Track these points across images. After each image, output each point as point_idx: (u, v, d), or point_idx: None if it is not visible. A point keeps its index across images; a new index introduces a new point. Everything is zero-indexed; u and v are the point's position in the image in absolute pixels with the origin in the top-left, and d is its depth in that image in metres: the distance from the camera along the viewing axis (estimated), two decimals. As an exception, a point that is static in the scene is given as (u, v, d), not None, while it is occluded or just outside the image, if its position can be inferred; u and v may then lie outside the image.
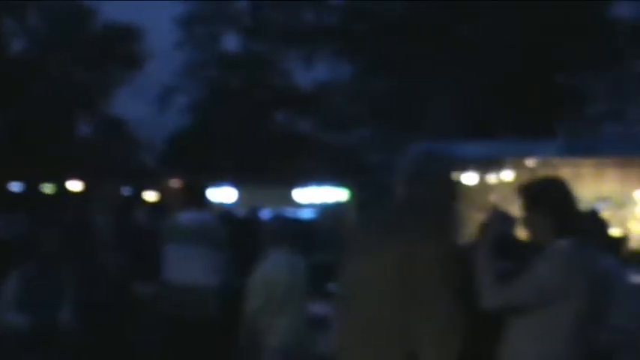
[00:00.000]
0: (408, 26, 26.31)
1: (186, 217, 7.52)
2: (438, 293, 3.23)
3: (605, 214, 16.29)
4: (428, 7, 26.29)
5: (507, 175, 16.78)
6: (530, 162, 16.95)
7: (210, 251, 7.34)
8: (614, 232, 16.32)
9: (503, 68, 25.06)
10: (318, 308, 6.96)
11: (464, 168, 16.98)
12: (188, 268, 7.26)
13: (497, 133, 25.15)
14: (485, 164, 16.86)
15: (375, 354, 3.27)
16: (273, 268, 6.31)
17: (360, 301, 3.33)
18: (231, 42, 33.22)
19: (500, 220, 4.14)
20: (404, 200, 3.51)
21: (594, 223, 9.87)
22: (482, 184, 17.02)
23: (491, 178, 16.97)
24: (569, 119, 27.37)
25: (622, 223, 16.69)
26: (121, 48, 35.33)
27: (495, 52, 25.25)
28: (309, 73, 29.94)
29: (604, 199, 16.92)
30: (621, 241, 11.79)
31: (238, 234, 10.11)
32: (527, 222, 3.74)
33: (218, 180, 24.52)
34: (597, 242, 8.89)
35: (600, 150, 17.38)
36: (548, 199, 3.74)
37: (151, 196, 23.49)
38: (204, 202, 7.96)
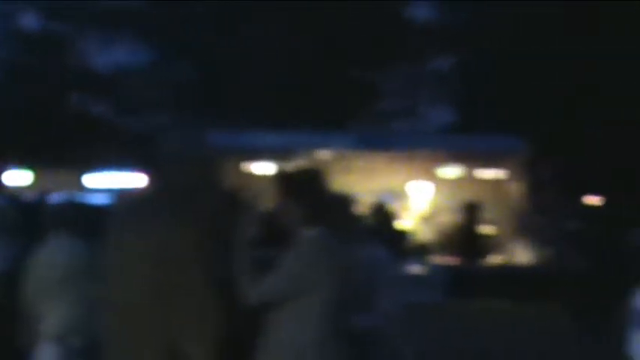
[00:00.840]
0: (211, 15, 26.29)
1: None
2: (196, 280, 3.23)
3: (394, 206, 17.01)
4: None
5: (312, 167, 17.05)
6: (323, 154, 17.36)
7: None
8: (402, 224, 17.07)
9: (301, 62, 25.48)
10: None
11: (259, 158, 17.19)
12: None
13: (293, 125, 25.55)
14: (280, 155, 17.08)
15: (137, 342, 3.25)
16: (51, 252, 6.12)
17: (121, 289, 3.29)
18: (29, 21, 31.93)
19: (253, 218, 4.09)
20: (162, 187, 3.49)
21: (380, 216, 10.26)
22: (273, 174, 17.21)
23: (286, 168, 17.19)
24: (363, 114, 28.12)
25: (408, 215, 17.42)
26: None
27: (293, 45, 25.66)
28: (108, 56, 29.27)
29: (394, 192, 17.56)
30: (404, 233, 12.33)
31: (25, 218, 9.84)
32: (280, 210, 3.75)
33: (13, 163, 23.62)
34: (381, 234, 9.25)
35: (391, 144, 18.06)
36: (299, 188, 3.75)
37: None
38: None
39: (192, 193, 3.43)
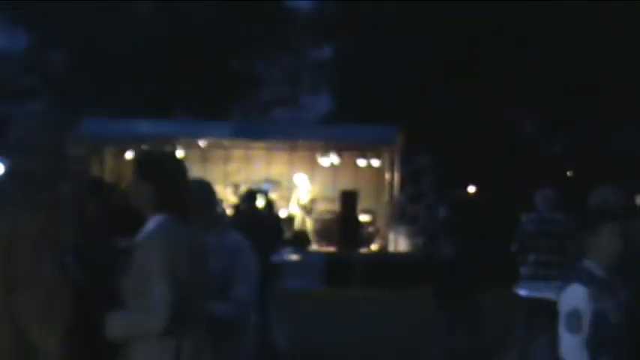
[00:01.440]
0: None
1: None
2: (42, 268, 3.18)
3: (274, 195, 17.08)
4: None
5: (179, 155, 16.96)
6: (201, 142, 17.32)
7: None
8: (282, 213, 17.17)
9: (182, 50, 25.29)
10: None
11: (139, 146, 16.99)
12: None
13: (174, 113, 25.36)
14: (159, 143, 16.95)
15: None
16: None
17: None
18: None
19: None
20: (10, 175, 3.42)
21: (250, 203, 10.26)
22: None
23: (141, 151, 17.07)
24: (243, 103, 28.12)
25: (288, 204, 17.53)
26: None
27: (175, 32, 25.47)
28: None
29: (273, 181, 17.64)
30: (279, 221, 12.39)
31: None
32: (134, 191, 3.70)
33: None
34: (252, 221, 9.24)
35: (270, 133, 18.13)
36: (153, 170, 3.70)
37: None
38: None
39: (43, 180, 3.36)
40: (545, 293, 6.64)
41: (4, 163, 3.45)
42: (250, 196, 10.20)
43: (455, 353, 8.54)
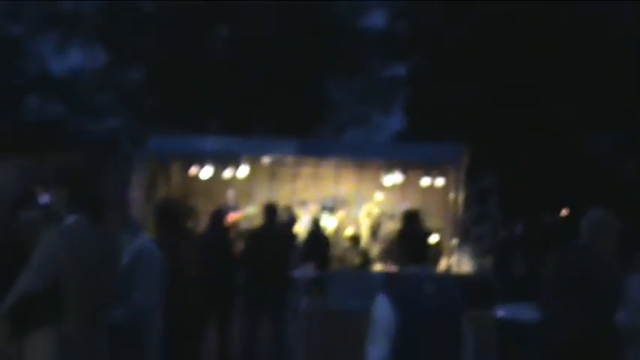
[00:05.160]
0: (161, 20, 26.27)
1: None
2: None
3: (340, 214, 17.03)
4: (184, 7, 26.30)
5: (243, 171, 17.08)
6: (266, 159, 17.35)
7: None
8: (348, 232, 17.08)
9: (264, 70, 25.51)
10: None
11: (204, 162, 17.14)
12: None
13: (255, 132, 25.60)
14: (223, 159, 17.07)
15: None
16: None
17: None
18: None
19: None
20: None
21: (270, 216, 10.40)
22: (218, 178, 17.25)
23: (228, 172, 17.19)
24: (320, 125, 28.26)
25: (356, 222, 17.43)
26: None
27: (255, 52, 25.70)
28: (62, 59, 29.17)
29: (340, 199, 17.59)
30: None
31: None
32: (55, 197, 3.95)
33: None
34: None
35: (336, 151, 18.06)
36: (67, 179, 3.88)
37: None
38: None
39: None
40: (524, 315, 6.52)
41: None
42: (268, 209, 10.40)
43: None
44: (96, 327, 3.61)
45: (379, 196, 17.17)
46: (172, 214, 6.87)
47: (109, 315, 3.99)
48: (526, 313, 6.38)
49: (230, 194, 16.68)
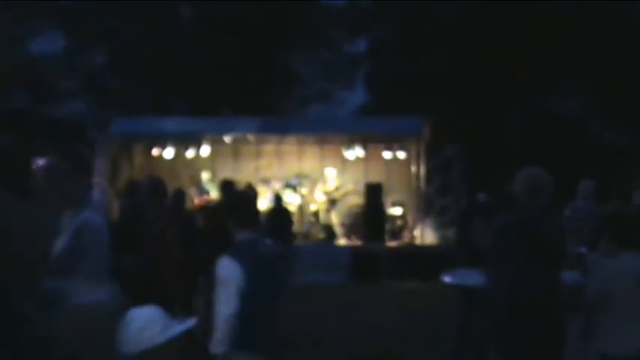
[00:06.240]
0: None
1: None
2: None
3: (304, 190, 17.02)
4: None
5: (206, 150, 17.07)
6: (227, 138, 17.34)
7: None
8: (312, 207, 17.11)
9: (226, 49, 25.39)
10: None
11: (167, 143, 17.13)
12: None
13: (221, 111, 25.50)
14: (185, 139, 17.07)
15: None
16: None
17: None
18: None
19: None
20: None
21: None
22: (181, 159, 17.25)
23: (190, 152, 17.19)
24: (283, 99, 28.18)
25: (316, 198, 17.43)
26: None
27: (218, 29, 25.59)
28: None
29: (303, 175, 17.60)
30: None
31: None
32: None
33: None
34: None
35: (296, 128, 18.06)
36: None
37: None
38: None
39: None
40: (470, 280, 6.61)
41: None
42: (224, 185, 10.39)
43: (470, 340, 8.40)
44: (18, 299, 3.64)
45: (331, 172, 17.12)
46: (160, 193, 6.93)
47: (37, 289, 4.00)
48: (472, 277, 6.46)
49: (205, 175, 16.70)
